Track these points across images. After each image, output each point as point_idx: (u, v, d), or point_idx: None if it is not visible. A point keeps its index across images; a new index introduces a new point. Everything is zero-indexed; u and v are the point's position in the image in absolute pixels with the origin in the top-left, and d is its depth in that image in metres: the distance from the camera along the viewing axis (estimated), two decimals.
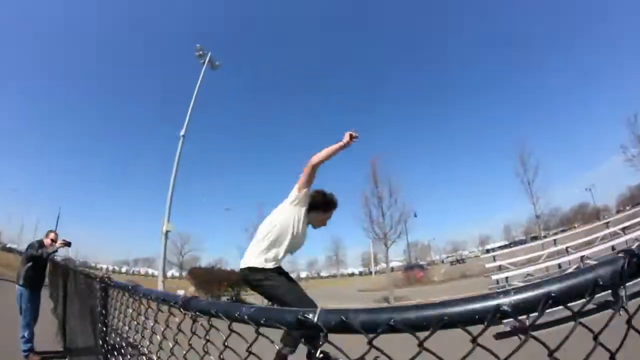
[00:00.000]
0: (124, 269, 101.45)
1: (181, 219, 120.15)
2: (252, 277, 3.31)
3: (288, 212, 3.45)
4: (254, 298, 18.19)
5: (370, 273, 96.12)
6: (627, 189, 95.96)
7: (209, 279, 16.63)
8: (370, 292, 27.92)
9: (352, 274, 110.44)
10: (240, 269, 3.40)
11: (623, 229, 11.02)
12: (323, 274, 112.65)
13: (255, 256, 3.29)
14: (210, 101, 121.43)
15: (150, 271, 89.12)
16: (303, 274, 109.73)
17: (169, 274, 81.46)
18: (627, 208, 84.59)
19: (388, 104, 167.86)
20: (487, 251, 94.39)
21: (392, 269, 16.11)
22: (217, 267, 20.76)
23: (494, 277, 9.61)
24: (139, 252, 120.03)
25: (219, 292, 16.77)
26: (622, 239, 10.32)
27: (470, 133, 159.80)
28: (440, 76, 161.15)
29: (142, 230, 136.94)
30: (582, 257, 9.41)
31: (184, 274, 29.04)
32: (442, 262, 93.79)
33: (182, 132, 23.62)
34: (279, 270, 3.39)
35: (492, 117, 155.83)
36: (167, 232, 22.47)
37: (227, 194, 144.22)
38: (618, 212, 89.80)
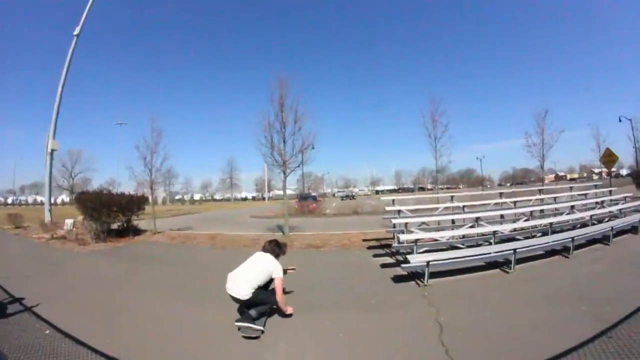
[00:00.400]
0: (10, 200, 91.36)
1: (67, 136, 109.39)
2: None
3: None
4: (145, 223, 17.25)
5: (264, 199, 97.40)
6: (511, 169, 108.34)
7: (98, 204, 14.87)
8: (264, 218, 27.78)
9: (246, 199, 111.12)
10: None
11: (514, 202, 11.70)
12: (217, 196, 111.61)
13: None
14: None
15: (38, 199, 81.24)
16: (197, 196, 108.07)
17: (59, 199, 75.31)
18: (508, 184, 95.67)
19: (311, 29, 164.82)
20: (377, 192, 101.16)
21: (287, 197, 15.91)
22: (106, 190, 18.89)
23: (394, 221, 9.62)
24: (25, 178, 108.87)
25: (109, 219, 15.27)
26: (512, 211, 11.00)
27: (389, 80, 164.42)
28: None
29: (26, 153, 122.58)
30: (477, 218, 9.73)
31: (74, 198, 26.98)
32: (334, 195, 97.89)
33: (76, 31, 20.46)
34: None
35: (413, 69, 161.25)
36: (52, 151, 20.01)
37: (118, 107, 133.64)
38: (499, 185, 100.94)
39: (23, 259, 11.17)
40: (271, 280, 5.48)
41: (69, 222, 17.14)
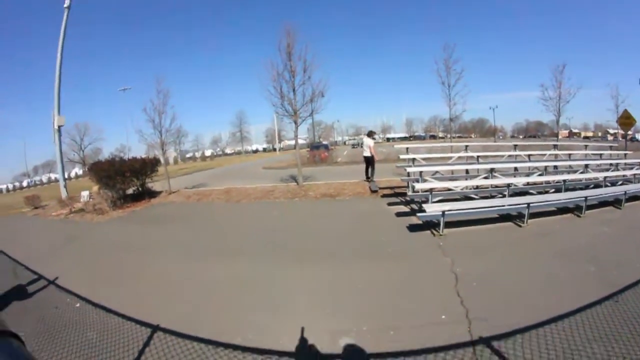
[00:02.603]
0: (25, 183, 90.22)
1: (74, 110, 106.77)
2: None
3: None
4: (159, 184, 17.33)
5: (275, 150, 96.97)
6: (524, 121, 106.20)
7: (111, 172, 14.80)
8: (276, 169, 27.68)
9: (257, 151, 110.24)
10: None
11: (528, 156, 11.60)
12: (228, 151, 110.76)
13: None
14: None
15: (53, 176, 79.45)
16: (208, 152, 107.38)
17: (72, 173, 74.69)
18: (520, 137, 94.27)
19: None
20: (388, 139, 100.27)
21: (295, 147, 15.97)
22: (118, 157, 18.46)
23: (409, 169, 9.69)
24: (38, 158, 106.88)
25: (123, 184, 15.27)
26: (526, 164, 10.92)
27: (400, 26, 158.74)
28: None
29: (35, 133, 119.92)
30: (491, 169, 9.72)
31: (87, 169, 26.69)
32: (344, 143, 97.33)
33: (66, 3, 19.25)
34: None
35: (425, 14, 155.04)
36: (59, 127, 19.54)
37: (122, 74, 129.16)
38: (512, 136, 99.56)
39: (43, 237, 11.32)
40: None
41: (84, 194, 17.22)
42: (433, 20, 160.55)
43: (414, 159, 10.46)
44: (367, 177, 14.04)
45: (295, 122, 14.23)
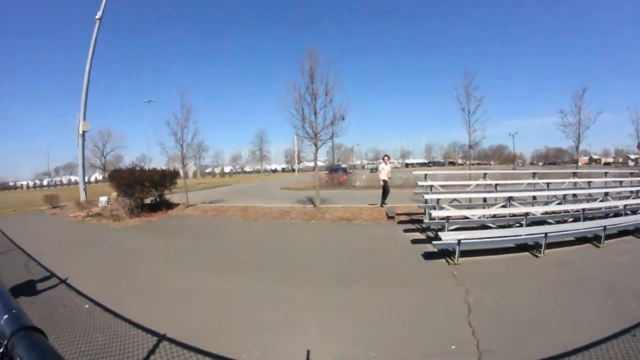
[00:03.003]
0: (45, 182, 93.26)
1: (98, 116, 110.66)
2: None
3: None
4: (177, 197, 17.72)
5: (293, 170, 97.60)
6: (544, 147, 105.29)
7: (131, 181, 15.35)
8: (294, 190, 27.92)
9: (275, 170, 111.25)
10: None
11: (547, 184, 11.59)
12: (247, 168, 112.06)
13: None
14: None
15: (73, 179, 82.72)
16: (227, 169, 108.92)
17: (92, 178, 77.00)
18: (540, 164, 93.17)
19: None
20: (407, 165, 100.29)
21: (314, 169, 16.20)
22: (138, 166, 19.33)
23: (426, 196, 9.78)
24: (59, 160, 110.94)
25: (142, 194, 15.73)
26: (544, 193, 10.90)
27: (422, 52, 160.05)
28: None
29: (59, 135, 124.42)
30: (509, 198, 9.74)
31: (107, 176, 27.51)
32: (363, 167, 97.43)
33: (98, 15, 20.60)
34: None
35: (446, 41, 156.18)
36: (83, 132, 20.48)
37: (147, 85, 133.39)
38: (531, 163, 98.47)
39: (60, 237, 11.73)
40: None
41: (103, 199, 17.77)
42: (453, 45, 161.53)
43: (431, 186, 10.56)
44: (384, 202, 14.23)
45: (315, 145, 14.45)
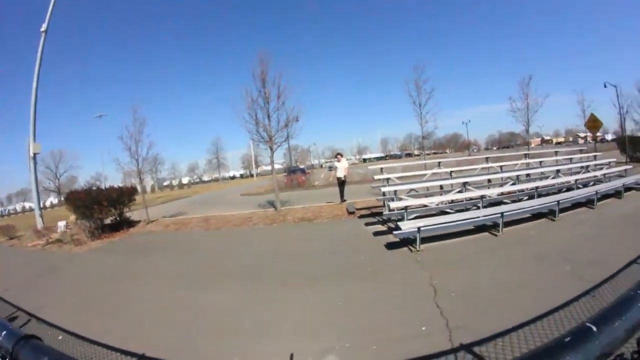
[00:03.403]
0: None
1: (49, 136, 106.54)
2: None
3: None
4: (137, 213, 17.09)
5: (252, 175, 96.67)
6: (497, 132, 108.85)
7: (88, 202, 14.61)
8: (254, 195, 27.47)
9: (234, 177, 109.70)
10: None
11: (501, 167, 11.86)
12: (205, 178, 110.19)
13: None
14: None
15: (27, 205, 78.01)
16: (185, 180, 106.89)
17: (47, 202, 73.55)
18: (494, 148, 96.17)
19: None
20: (364, 160, 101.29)
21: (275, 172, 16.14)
22: (95, 186, 18.38)
23: (384, 189, 9.77)
24: (11, 187, 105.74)
25: (101, 214, 15.00)
26: (498, 175, 11.13)
27: (372, 46, 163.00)
28: None
29: (8, 161, 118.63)
30: (464, 183, 9.87)
31: (63, 199, 26.08)
32: (321, 166, 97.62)
33: (43, 27, 19.59)
34: None
35: (396, 35, 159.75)
36: (34, 155, 19.43)
37: (96, 100, 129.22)
38: (486, 149, 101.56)
39: (21, 269, 10.98)
40: None
41: (61, 224, 16.89)
42: (404, 38, 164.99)
43: (388, 179, 10.57)
44: (344, 199, 14.19)
45: (271, 148, 14.32)
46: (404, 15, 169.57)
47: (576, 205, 9.64)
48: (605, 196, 10.46)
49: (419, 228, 7.24)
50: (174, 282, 7.33)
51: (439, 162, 11.86)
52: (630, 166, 13.60)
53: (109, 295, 7.00)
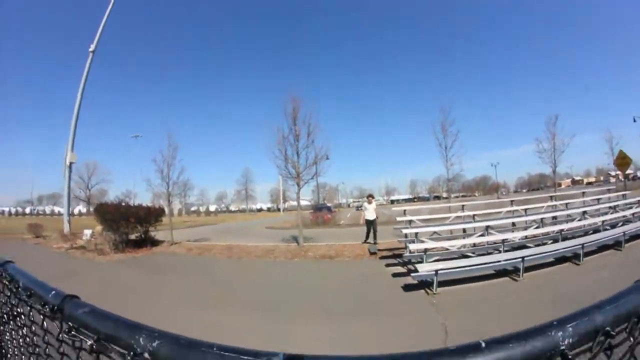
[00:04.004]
0: (27, 210, 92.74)
1: (85, 148, 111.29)
2: None
3: None
4: (162, 234, 17.56)
5: (279, 210, 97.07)
6: (526, 174, 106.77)
7: (116, 216, 15.39)
8: (279, 229, 27.70)
9: (261, 210, 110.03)
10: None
11: (525, 210, 11.77)
12: (232, 208, 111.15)
13: None
14: (128, 10, 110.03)
15: (56, 209, 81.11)
16: (212, 208, 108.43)
17: (76, 210, 75.98)
18: (524, 191, 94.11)
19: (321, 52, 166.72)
20: (392, 202, 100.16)
21: (300, 208, 16.43)
22: (124, 202, 19.44)
23: (404, 231, 9.87)
24: (43, 189, 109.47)
25: (127, 229, 15.72)
26: (523, 218, 11.08)
27: (398, 91, 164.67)
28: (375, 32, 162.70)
29: (44, 164, 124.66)
30: (487, 227, 9.86)
31: (92, 209, 27.16)
32: (349, 206, 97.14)
33: (92, 48, 21.37)
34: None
35: (423, 81, 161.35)
36: (70, 164, 20.56)
37: (135, 121, 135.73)
38: (515, 191, 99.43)
39: (44, 268, 11.28)
40: None
41: (87, 232, 17.54)
42: (432, 81, 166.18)
43: (410, 221, 10.65)
44: (368, 240, 13.90)
45: (298, 184, 14.69)
46: (433, 56, 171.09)
47: (603, 247, 9.43)
48: (636, 236, 10.19)
49: (436, 271, 7.28)
50: (184, 303, 7.55)
51: (463, 205, 11.89)
52: None
53: (118, 306, 7.22)
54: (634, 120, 32.17)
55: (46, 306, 1.04)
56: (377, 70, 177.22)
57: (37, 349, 1.26)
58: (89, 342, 0.82)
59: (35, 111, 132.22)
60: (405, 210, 11.48)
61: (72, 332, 0.90)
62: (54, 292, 1.06)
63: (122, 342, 0.73)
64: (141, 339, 0.70)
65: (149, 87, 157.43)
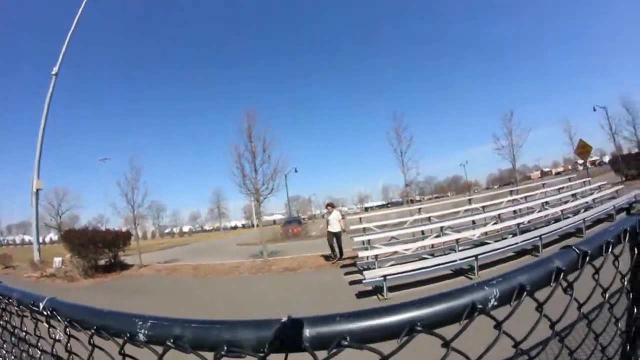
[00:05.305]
0: None
1: (54, 173, 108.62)
2: None
3: None
4: (131, 259, 17.34)
5: (253, 226, 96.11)
6: (497, 171, 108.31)
7: (84, 241, 15.13)
8: (250, 245, 27.23)
9: (235, 227, 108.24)
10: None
11: (483, 207, 11.63)
12: (206, 227, 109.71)
13: None
14: (91, 34, 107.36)
15: (26, 238, 78.29)
16: (186, 228, 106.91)
17: (47, 238, 73.91)
18: (496, 187, 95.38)
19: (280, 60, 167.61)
20: (366, 209, 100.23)
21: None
22: (92, 227, 18.94)
23: (356, 239, 9.77)
24: (12, 217, 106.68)
25: (95, 255, 15.47)
26: (482, 216, 10.88)
27: (367, 96, 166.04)
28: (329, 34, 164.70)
29: (11, 192, 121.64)
30: (441, 228, 9.63)
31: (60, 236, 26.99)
32: (323, 216, 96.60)
33: (54, 70, 20.80)
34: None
35: (387, 83, 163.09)
36: (37, 190, 20.03)
37: (104, 145, 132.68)
38: (487, 188, 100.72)
39: None
40: None
41: (57, 260, 17.16)
42: (390, 85, 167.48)
43: (364, 228, 10.36)
44: (334, 256, 12.09)
45: (258, 200, 14.78)
46: (389, 62, 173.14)
47: (565, 236, 9.36)
48: (598, 221, 10.22)
49: (384, 277, 7.09)
50: None
51: (419, 209, 11.69)
52: (622, 186, 13.25)
53: None
54: (594, 110, 32.94)
55: (43, 312, 1.06)
56: (339, 77, 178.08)
57: (39, 354, 1.32)
58: (89, 334, 0.86)
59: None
60: (360, 218, 11.18)
61: (68, 331, 0.98)
62: (47, 298, 1.09)
63: (118, 329, 0.77)
64: (134, 323, 0.74)
65: (116, 110, 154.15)
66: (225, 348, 0.61)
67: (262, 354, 0.62)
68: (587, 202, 11.53)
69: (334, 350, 0.57)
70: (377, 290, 7.52)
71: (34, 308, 1.12)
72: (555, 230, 9.02)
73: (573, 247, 0.79)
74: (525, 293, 0.67)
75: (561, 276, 0.73)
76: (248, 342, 0.62)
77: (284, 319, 0.62)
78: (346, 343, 0.56)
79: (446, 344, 0.63)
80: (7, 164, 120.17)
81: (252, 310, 7.66)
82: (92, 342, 0.88)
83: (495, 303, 0.65)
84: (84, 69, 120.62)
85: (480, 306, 0.63)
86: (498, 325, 0.67)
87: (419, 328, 0.58)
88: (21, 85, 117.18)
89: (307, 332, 0.58)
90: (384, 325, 0.59)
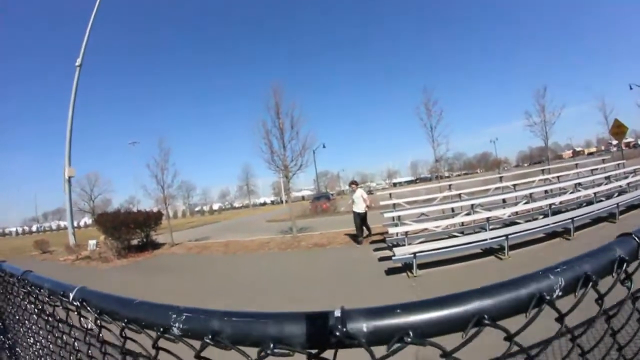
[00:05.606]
0: (34, 228, 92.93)
1: (86, 160, 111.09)
2: None
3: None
4: (163, 237, 17.98)
5: (282, 202, 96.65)
6: (528, 148, 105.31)
7: (116, 223, 15.70)
8: (279, 222, 27.42)
9: (264, 204, 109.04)
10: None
11: (514, 185, 11.44)
12: (236, 204, 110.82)
13: None
14: (112, 21, 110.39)
15: (62, 224, 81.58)
16: (216, 206, 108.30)
17: (82, 222, 76.37)
18: (526, 165, 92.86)
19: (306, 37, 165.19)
20: (395, 185, 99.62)
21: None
22: (123, 209, 19.73)
23: (386, 215, 9.72)
24: (48, 205, 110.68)
25: (128, 235, 16.05)
26: (512, 194, 10.73)
27: (388, 74, 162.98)
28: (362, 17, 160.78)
29: (46, 181, 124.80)
30: (472, 205, 9.56)
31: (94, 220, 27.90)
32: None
33: (78, 62, 21.14)
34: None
35: (420, 59, 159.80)
36: (69, 178, 20.60)
37: (133, 128, 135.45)
38: (517, 166, 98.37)
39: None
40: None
41: (92, 242, 17.71)
42: (429, 62, 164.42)
43: (394, 204, 10.38)
44: (360, 236, 11.73)
45: (287, 176, 14.87)
46: (425, 38, 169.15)
47: (597, 220, 9.14)
48: (632, 207, 9.85)
49: (414, 254, 7.10)
50: (186, 299, 7.59)
51: (450, 185, 11.57)
52: None
53: None
54: (630, 88, 31.26)
55: (74, 302, 1.05)
56: (371, 54, 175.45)
57: (67, 346, 1.35)
58: (120, 325, 0.84)
59: (33, 127, 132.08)
60: (390, 194, 11.18)
61: (99, 322, 0.96)
62: (77, 288, 1.08)
63: (150, 322, 0.74)
64: (168, 316, 0.70)
65: (143, 94, 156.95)
66: (272, 345, 0.57)
67: (313, 351, 0.59)
68: (621, 186, 11.14)
69: (395, 346, 0.53)
70: (406, 267, 7.58)
71: (63, 299, 1.10)
72: (588, 213, 8.79)
73: (633, 235, 0.73)
74: (590, 283, 0.63)
75: (623, 266, 0.68)
76: (297, 338, 0.58)
77: (337, 311, 0.58)
78: (409, 339, 0.52)
79: (509, 337, 0.59)
80: (42, 156, 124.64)
81: (283, 288, 7.77)
82: (124, 334, 0.86)
83: (560, 293, 0.61)
84: (110, 54, 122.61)
85: (548, 297, 0.59)
86: (561, 318, 0.62)
87: (486, 321, 0.55)
88: (53, 78, 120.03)
89: (364, 326, 0.55)
90: (449, 317, 0.55)
